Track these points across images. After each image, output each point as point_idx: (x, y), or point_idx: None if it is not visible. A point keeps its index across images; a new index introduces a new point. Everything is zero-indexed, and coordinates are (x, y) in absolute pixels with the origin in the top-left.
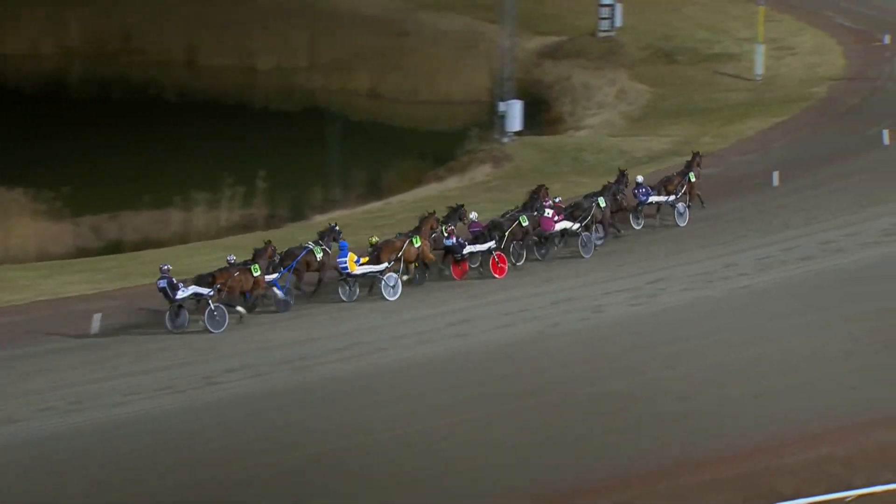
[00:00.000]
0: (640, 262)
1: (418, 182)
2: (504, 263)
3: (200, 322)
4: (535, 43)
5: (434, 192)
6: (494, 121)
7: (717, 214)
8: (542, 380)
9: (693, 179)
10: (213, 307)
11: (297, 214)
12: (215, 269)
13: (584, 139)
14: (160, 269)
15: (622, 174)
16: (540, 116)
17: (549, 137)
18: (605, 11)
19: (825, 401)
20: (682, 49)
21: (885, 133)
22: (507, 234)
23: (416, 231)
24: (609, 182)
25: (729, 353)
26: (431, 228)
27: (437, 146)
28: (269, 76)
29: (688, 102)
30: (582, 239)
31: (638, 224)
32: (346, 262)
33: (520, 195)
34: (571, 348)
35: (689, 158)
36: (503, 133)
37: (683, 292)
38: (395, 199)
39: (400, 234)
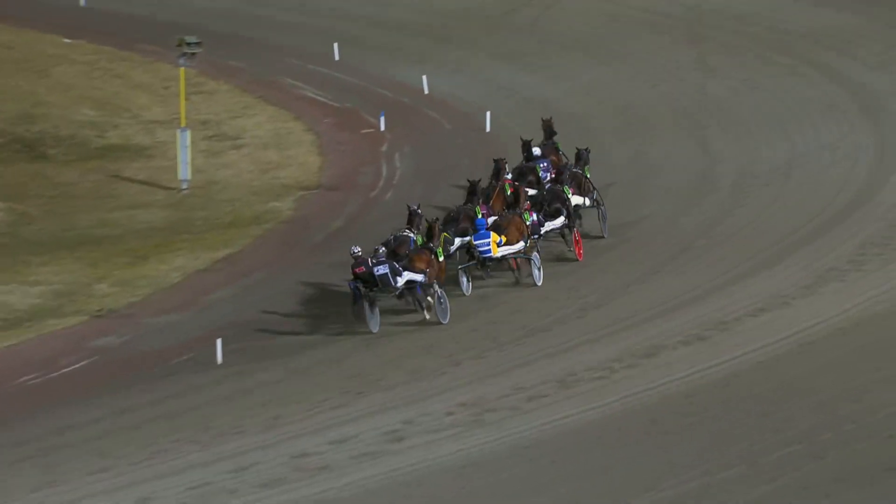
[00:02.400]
0: None
1: None
2: (581, 242)
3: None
4: None
5: None
6: None
7: (120, 412)
8: None
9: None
10: (439, 294)
11: None
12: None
13: None
14: (372, 255)
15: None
16: None
17: None
18: None
19: None
20: (54, 137)
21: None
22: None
23: (515, 203)
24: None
25: None
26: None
27: None
28: None
29: (69, 227)
30: (602, 213)
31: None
32: (488, 245)
33: None
34: None
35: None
36: None
37: None
38: None
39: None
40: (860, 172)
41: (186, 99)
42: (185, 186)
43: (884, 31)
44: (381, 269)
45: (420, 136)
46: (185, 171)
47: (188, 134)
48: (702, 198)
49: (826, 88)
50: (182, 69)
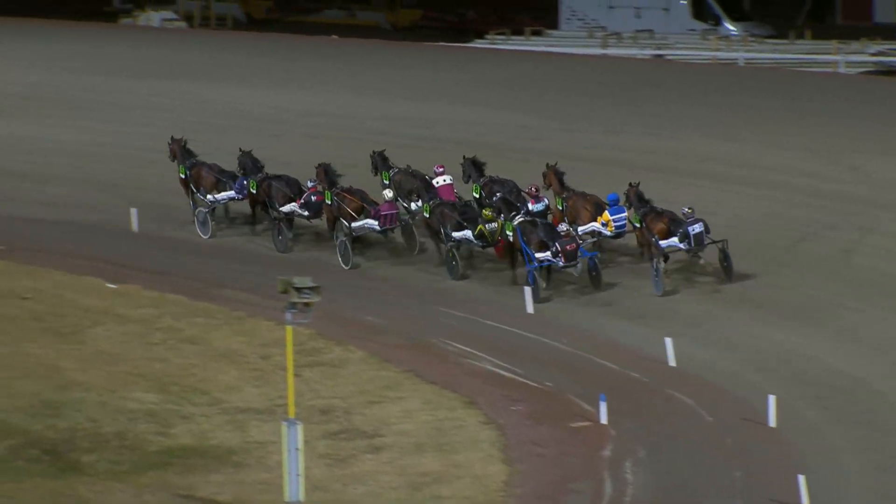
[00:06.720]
0: None
1: None
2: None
3: None
4: None
5: None
6: None
7: None
8: None
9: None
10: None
11: None
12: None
13: None
14: (683, 218)
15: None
16: None
17: None
18: None
19: None
20: (91, 437)
21: None
22: None
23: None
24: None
25: None
26: None
27: None
28: None
29: None
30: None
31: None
32: (624, 220)
33: None
34: None
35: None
36: None
37: None
38: None
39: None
40: None
41: (296, 375)
42: None
43: None
44: (698, 227)
45: (663, 434)
46: (295, 489)
47: (300, 430)
48: None
49: None
50: (289, 328)
